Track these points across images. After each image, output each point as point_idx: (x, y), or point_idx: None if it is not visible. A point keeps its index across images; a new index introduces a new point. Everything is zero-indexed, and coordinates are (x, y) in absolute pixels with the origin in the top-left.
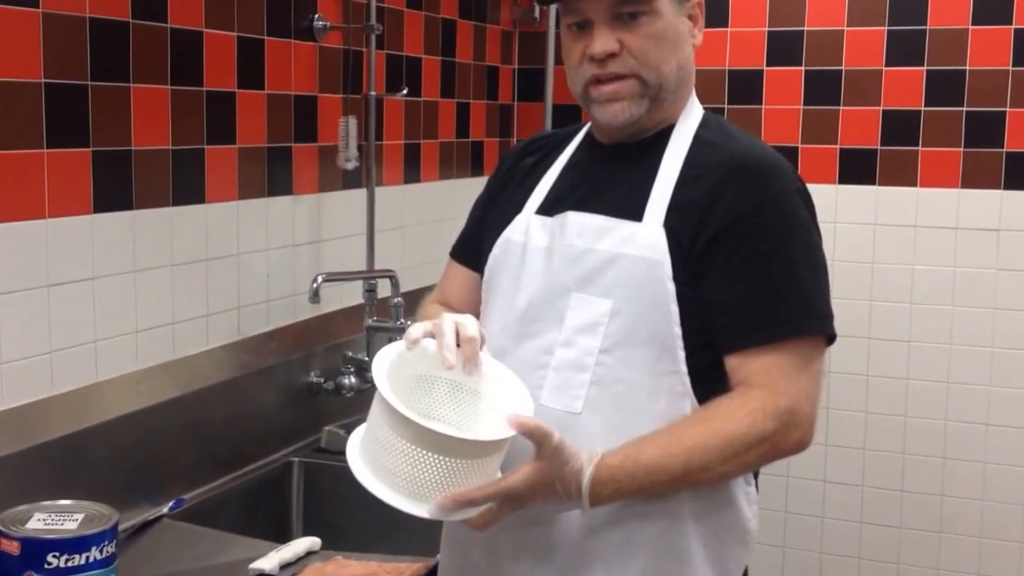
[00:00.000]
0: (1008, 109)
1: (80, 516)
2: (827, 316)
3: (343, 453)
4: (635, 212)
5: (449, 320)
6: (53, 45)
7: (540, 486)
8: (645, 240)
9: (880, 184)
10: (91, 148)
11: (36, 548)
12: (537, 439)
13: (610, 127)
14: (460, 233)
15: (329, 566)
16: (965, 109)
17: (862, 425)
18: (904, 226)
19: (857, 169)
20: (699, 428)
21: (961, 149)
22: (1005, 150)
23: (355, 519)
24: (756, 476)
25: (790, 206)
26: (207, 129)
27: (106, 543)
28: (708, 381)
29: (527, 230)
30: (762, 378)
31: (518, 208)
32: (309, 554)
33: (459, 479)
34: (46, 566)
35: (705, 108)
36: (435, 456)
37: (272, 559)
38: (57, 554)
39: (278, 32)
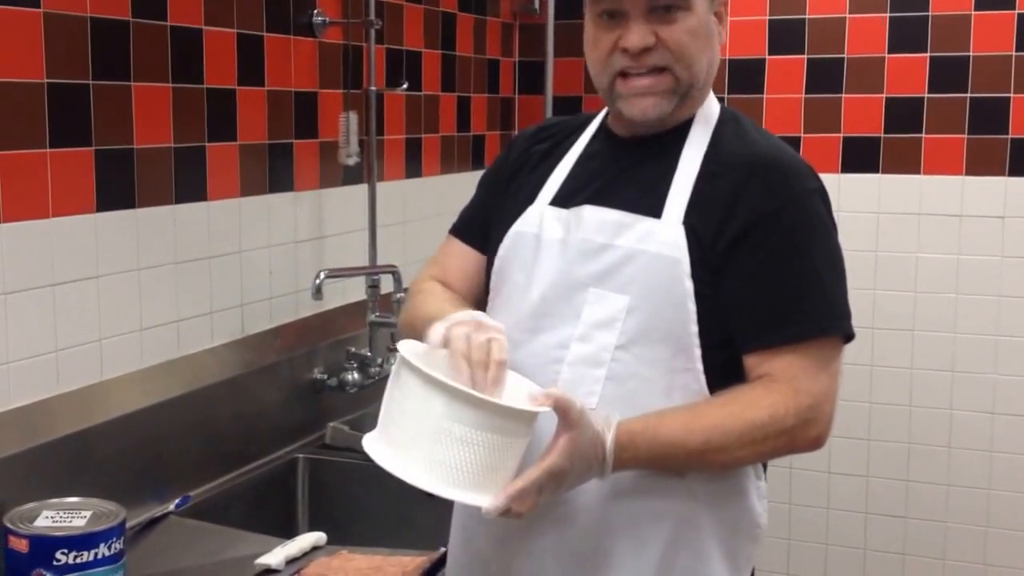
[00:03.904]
0: (1012, 95)
1: (88, 513)
2: (847, 316)
3: (347, 449)
4: (653, 208)
5: (480, 342)
6: (54, 45)
7: (577, 455)
8: (664, 237)
9: (883, 172)
10: (93, 147)
11: (45, 545)
12: (562, 409)
13: (636, 122)
14: (462, 211)
15: (335, 560)
16: (969, 95)
17: (866, 415)
18: (908, 214)
19: (860, 157)
20: (721, 410)
21: (965, 136)
22: (1009, 136)
23: (360, 514)
24: (765, 470)
25: (812, 206)
26: (208, 127)
27: (114, 540)
28: (723, 378)
29: (541, 221)
30: (784, 375)
31: (530, 198)
32: (315, 549)
33: (503, 460)
34: (55, 563)
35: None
36: (492, 436)
37: (278, 554)
38: (65, 551)
39: (277, 28)
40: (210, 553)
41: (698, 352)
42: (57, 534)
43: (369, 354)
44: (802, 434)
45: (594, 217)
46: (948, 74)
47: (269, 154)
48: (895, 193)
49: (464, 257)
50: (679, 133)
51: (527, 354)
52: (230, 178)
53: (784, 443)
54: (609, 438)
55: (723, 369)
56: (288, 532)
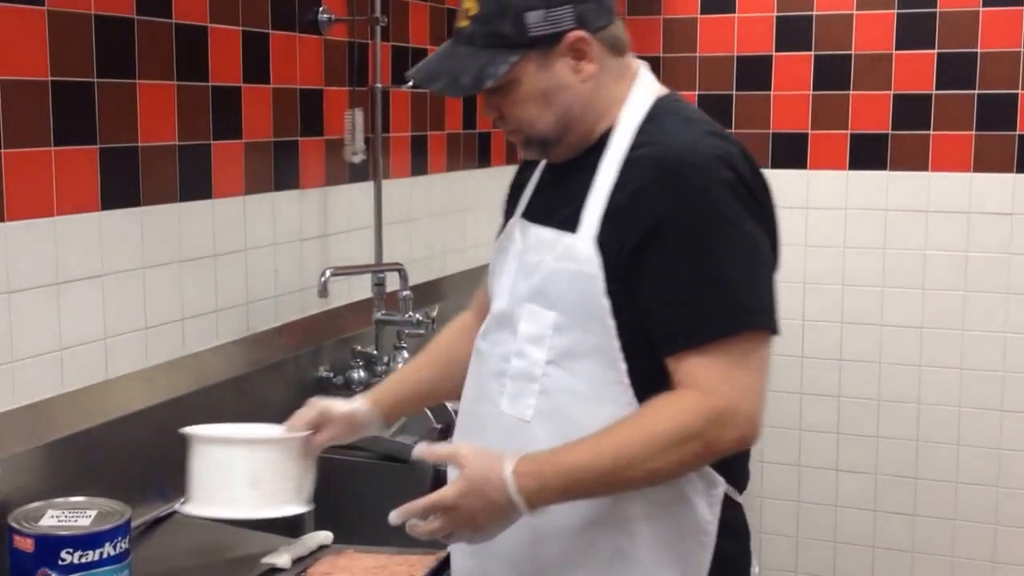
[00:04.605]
0: (1020, 91)
1: (93, 513)
2: (758, 311)
3: (353, 448)
4: (572, 223)
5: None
6: (59, 43)
7: (469, 493)
8: (580, 254)
9: (891, 169)
10: (98, 145)
11: (50, 545)
12: (447, 456)
13: None
14: None
15: (341, 559)
16: (977, 92)
17: (874, 412)
18: (915, 211)
19: (868, 154)
20: (628, 427)
21: (973, 133)
22: (1017, 133)
23: (366, 513)
24: (738, 480)
25: (713, 201)
26: (213, 124)
27: (119, 539)
28: (655, 388)
29: (512, 235)
30: (694, 379)
31: (512, 212)
32: (321, 548)
33: (284, 473)
34: (60, 562)
35: (712, 92)
36: (266, 463)
37: (284, 553)
38: (71, 550)
39: (283, 25)
40: (216, 552)
41: (624, 366)
42: (62, 533)
43: (375, 352)
44: (719, 436)
45: (534, 234)
46: (956, 70)
47: (274, 152)
48: (903, 190)
49: None
50: (604, 141)
51: (486, 364)
52: (235, 176)
53: (702, 448)
54: (508, 468)
55: (654, 378)
56: (294, 531)
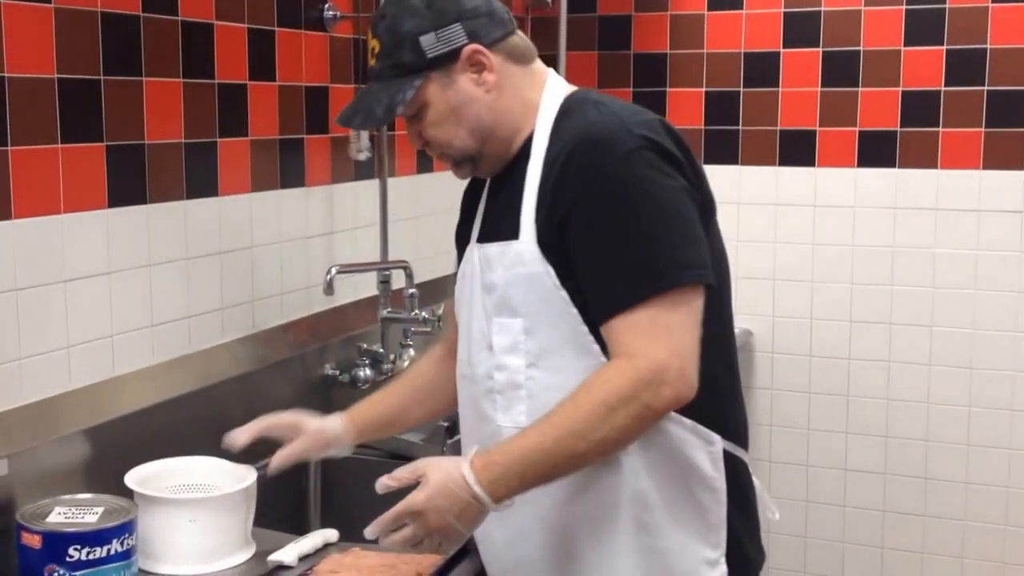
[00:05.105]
0: None
1: (100, 510)
2: (673, 269)
3: (359, 446)
4: (514, 231)
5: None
6: (65, 40)
7: (435, 495)
8: (526, 256)
9: (900, 166)
10: (105, 143)
11: (57, 541)
12: (410, 474)
13: None
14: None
15: (347, 557)
16: (986, 88)
17: (884, 412)
18: (925, 209)
19: (876, 151)
20: (566, 405)
21: (982, 129)
22: None
23: (372, 511)
24: (732, 432)
25: (616, 172)
26: (219, 122)
27: (126, 536)
28: None
29: (471, 259)
30: (621, 345)
31: (468, 239)
32: (327, 546)
33: (234, 522)
34: (67, 559)
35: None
36: (216, 515)
37: (290, 551)
38: (78, 547)
39: (288, 23)
40: None
41: (597, 348)
42: (70, 530)
43: (381, 350)
44: (654, 397)
45: (483, 252)
46: (965, 67)
47: (280, 149)
48: (912, 188)
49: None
50: (527, 147)
51: (474, 387)
52: (241, 173)
53: (639, 410)
54: (465, 464)
55: None
56: (300, 529)
